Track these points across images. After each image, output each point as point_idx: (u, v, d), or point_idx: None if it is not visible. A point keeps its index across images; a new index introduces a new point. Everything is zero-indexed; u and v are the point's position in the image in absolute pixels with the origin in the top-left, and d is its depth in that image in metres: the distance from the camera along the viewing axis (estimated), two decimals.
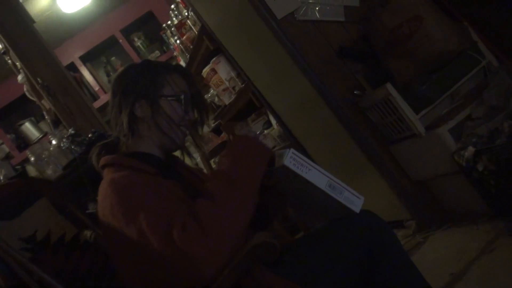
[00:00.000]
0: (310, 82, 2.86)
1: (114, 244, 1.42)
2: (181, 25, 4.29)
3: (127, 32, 6.44)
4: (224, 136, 4.67)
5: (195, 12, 3.69)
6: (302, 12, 2.82)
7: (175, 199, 1.39)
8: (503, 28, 2.76)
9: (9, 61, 4.26)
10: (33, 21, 3.93)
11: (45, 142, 3.78)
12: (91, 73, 6.35)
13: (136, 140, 1.64)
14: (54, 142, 2.95)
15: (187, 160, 1.85)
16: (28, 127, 6.10)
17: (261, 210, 1.46)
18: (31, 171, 3.48)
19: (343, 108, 2.83)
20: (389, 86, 2.55)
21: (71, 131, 2.83)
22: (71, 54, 6.23)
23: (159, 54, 6.34)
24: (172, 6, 4.40)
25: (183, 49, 4.43)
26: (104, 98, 6.16)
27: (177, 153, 1.81)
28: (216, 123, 4.65)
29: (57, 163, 2.82)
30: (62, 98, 3.59)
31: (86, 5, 5.63)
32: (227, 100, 3.95)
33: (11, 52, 3.74)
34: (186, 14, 4.06)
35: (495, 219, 2.37)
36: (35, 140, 5.98)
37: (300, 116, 3.37)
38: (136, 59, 6.29)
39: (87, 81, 6.30)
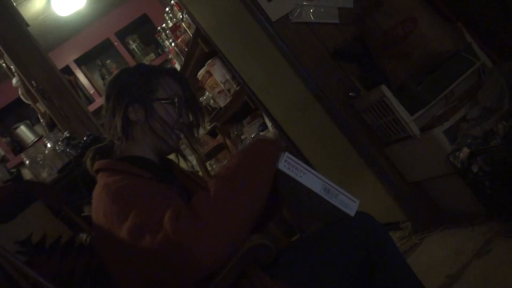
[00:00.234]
0: (305, 84, 2.86)
1: (108, 248, 1.41)
2: (176, 28, 4.29)
3: (122, 35, 6.43)
4: (219, 138, 4.67)
5: (190, 15, 3.69)
6: (296, 14, 2.82)
7: (170, 200, 1.39)
8: (497, 29, 2.77)
9: (4, 64, 4.25)
10: (27, 25, 3.93)
11: (40, 145, 3.76)
12: (86, 76, 6.34)
13: (130, 144, 1.64)
14: (49, 145, 2.95)
15: (182, 163, 1.85)
16: (23, 130, 6.07)
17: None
18: (26, 174, 3.48)
19: (338, 110, 2.83)
20: (383, 87, 2.56)
21: (66, 134, 2.83)
22: (66, 57, 6.22)
23: (154, 57, 6.34)
24: (167, 9, 4.40)
25: (178, 51, 4.43)
26: (99, 101, 6.16)
27: (172, 156, 1.81)
28: (211, 126, 4.65)
29: (52, 166, 2.82)
30: (57, 101, 3.59)
31: (81, 8, 5.62)
32: (222, 102, 3.95)
33: (6, 56, 3.73)
34: (181, 16, 4.06)
35: (491, 220, 2.37)
36: (30, 143, 5.96)
37: (295, 118, 3.37)
38: (131, 62, 6.29)
39: (82, 84, 6.29)
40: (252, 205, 1.35)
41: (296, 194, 1.50)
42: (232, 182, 1.35)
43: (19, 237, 1.62)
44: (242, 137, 4.10)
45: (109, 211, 1.37)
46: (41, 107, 3.99)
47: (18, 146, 6.12)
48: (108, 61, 6.48)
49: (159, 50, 6.36)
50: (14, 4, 4.04)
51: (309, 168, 1.41)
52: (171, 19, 4.39)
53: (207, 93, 4.25)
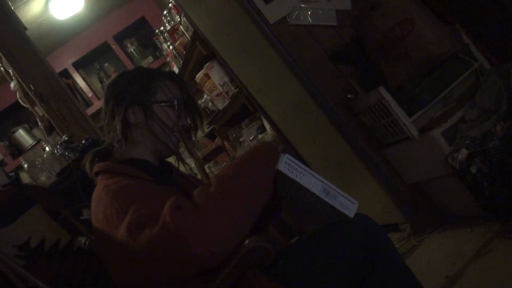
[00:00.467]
0: (303, 87, 2.86)
1: (108, 248, 1.40)
2: (173, 31, 4.29)
3: (120, 38, 6.43)
4: (218, 141, 4.67)
5: (188, 18, 3.69)
6: (294, 16, 2.82)
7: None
8: (494, 30, 2.77)
9: (2, 68, 4.25)
10: (25, 28, 3.93)
11: (39, 149, 3.77)
12: (84, 80, 6.33)
13: (129, 146, 1.64)
14: (47, 148, 2.94)
15: (181, 167, 1.85)
16: (22, 134, 6.06)
17: None
18: (25, 178, 3.47)
19: (337, 112, 2.83)
20: (382, 89, 2.56)
21: (64, 137, 2.83)
22: (64, 61, 6.22)
23: (152, 60, 6.34)
24: (165, 12, 4.40)
25: (176, 54, 4.43)
26: (97, 104, 6.15)
27: (171, 159, 1.81)
28: (210, 128, 4.65)
29: (51, 170, 2.82)
30: (55, 105, 3.58)
31: (79, 12, 5.62)
32: (220, 105, 3.95)
33: (4, 59, 3.73)
34: (179, 19, 4.07)
35: (490, 221, 2.37)
36: (29, 147, 5.95)
37: (294, 120, 3.37)
38: (129, 65, 6.29)
39: (80, 88, 6.28)
40: (252, 202, 1.35)
41: (295, 196, 1.50)
42: (233, 179, 1.35)
43: (17, 241, 1.62)
44: (241, 139, 4.10)
45: (109, 210, 1.37)
46: (39, 110, 3.99)
47: (17, 150, 6.11)
48: (106, 64, 6.47)
49: (157, 53, 6.36)
50: (12, 7, 4.04)
51: (309, 170, 1.42)
52: (169, 22, 4.40)
53: (205, 96, 4.25)
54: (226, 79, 3.75)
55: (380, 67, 2.73)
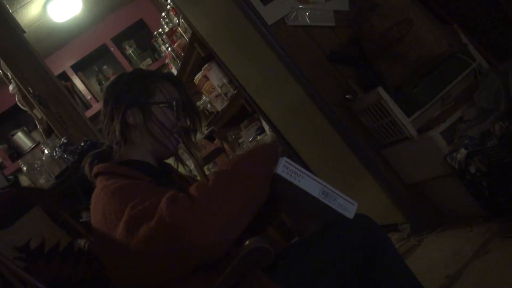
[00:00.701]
0: (302, 87, 2.86)
1: (107, 248, 1.40)
2: (172, 33, 4.29)
3: (118, 40, 6.44)
4: (217, 142, 4.67)
5: (186, 19, 3.69)
6: (292, 17, 2.83)
7: None
8: (492, 30, 2.78)
9: (0, 71, 4.24)
10: (23, 31, 3.93)
11: (38, 152, 3.76)
12: (83, 82, 6.34)
13: (128, 148, 1.64)
14: (46, 151, 2.94)
15: (180, 168, 1.85)
16: (20, 137, 6.06)
17: (255, 215, 1.46)
18: (24, 180, 3.47)
19: (335, 112, 2.84)
20: (380, 90, 2.56)
21: (63, 140, 2.83)
22: (62, 63, 6.22)
23: (150, 61, 6.34)
24: (163, 14, 4.41)
25: (174, 56, 4.44)
26: (96, 107, 6.16)
27: (170, 161, 1.82)
28: (209, 130, 4.65)
29: (50, 172, 2.82)
30: (53, 108, 3.58)
31: (77, 14, 5.63)
32: (219, 106, 3.95)
33: (2, 62, 3.72)
34: (177, 21, 4.07)
35: (489, 221, 2.37)
36: (28, 150, 5.95)
37: (292, 121, 3.37)
38: (127, 67, 6.29)
39: (79, 90, 6.28)
40: (249, 198, 1.34)
41: (294, 198, 1.50)
42: (230, 175, 1.35)
43: (17, 243, 1.62)
44: (240, 140, 4.10)
45: (107, 209, 1.38)
46: (38, 113, 3.98)
47: (15, 152, 6.11)
48: (104, 67, 6.48)
49: (156, 55, 6.37)
50: (10, 10, 4.04)
51: (307, 172, 1.42)
52: (167, 24, 4.40)
53: (204, 97, 4.26)
54: (225, 81, 3.75)
55: (379, 67, 2.73)
